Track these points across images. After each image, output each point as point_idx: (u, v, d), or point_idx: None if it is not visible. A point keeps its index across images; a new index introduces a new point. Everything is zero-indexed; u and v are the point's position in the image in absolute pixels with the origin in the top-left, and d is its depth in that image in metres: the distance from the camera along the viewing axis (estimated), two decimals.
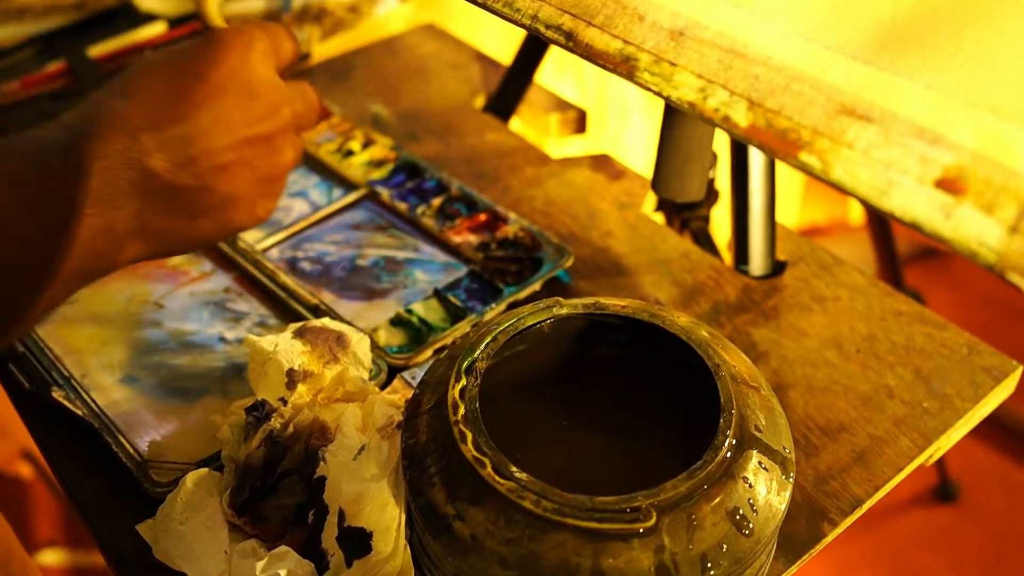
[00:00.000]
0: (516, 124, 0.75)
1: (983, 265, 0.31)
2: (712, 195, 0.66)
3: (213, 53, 0.46)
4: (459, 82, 0.77)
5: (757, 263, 0.60)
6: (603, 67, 0.39)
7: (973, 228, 0.32)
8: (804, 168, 0.34)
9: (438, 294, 0.58)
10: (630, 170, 0.67)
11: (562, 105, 0.75)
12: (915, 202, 0.32)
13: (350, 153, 0.69)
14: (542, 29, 0.40)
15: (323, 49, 0.84)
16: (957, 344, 0.55)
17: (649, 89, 0.37)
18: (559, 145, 0.76)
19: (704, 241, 0.65)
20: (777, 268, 0.60)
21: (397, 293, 0.59)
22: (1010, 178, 0.32)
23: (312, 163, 0.69)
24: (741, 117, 0.36)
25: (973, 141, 0.33)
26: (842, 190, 0.34)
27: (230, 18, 0.86)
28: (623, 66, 0.38)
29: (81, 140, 0.42)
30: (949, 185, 0.32)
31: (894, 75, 0.34)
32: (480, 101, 0.75)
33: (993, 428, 1.41)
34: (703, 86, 0.36)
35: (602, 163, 0.68)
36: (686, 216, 0.66)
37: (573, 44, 0.39)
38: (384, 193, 0.65)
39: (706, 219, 0.67)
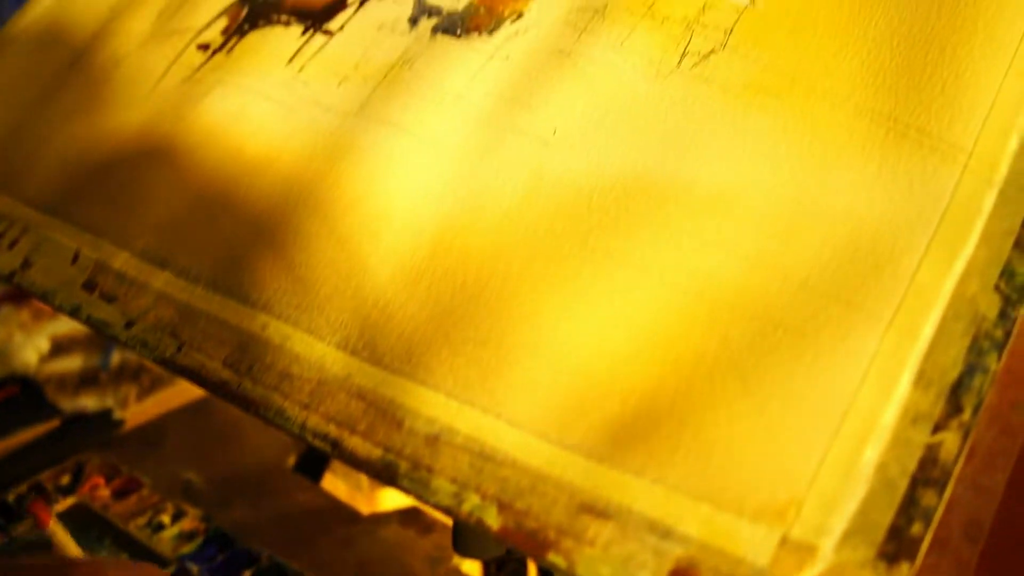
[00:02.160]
0: (329, 480, 0.77)
1: None
2: None
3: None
4: (271, 441, 0.79)
5: None
6: (367, 474, 0.41)
7: None
8: (553, 567, 0.36)
9: None
10: (440, 521, 0.69)
11: None
12: None
13: (160, 527, 0.69)
14: (309, 438, 0.42)
15: (139, 410, 0.85)
16: None
17: (410, 494, 0.40)
18: (373, 499, 0.77)
19: None
20: None
21: None
22: (735, 566, 0.34)
23: (121, 540, 0.68)
24: (493, 520, 0.38)
25: (699, 532, 0.35)
26: None
27: (49, 377, 0.86)
28: (384, 473, 0.40)
29: None
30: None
31: (625, 471, 0.37)
32: (292, 460, 0.77)
33: None
34: (457, 491, 0.39)
35: (412, 517, 0.70)
36: (500, 560, 0.67)
37: (339, 452, 0.41)
38: (194, 569, 0.65)
39: (522, 562, 0.68)
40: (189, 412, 0.83)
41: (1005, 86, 0.43)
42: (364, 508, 0.73)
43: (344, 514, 0.69)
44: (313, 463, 0.74)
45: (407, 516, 0.69)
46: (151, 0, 0.68)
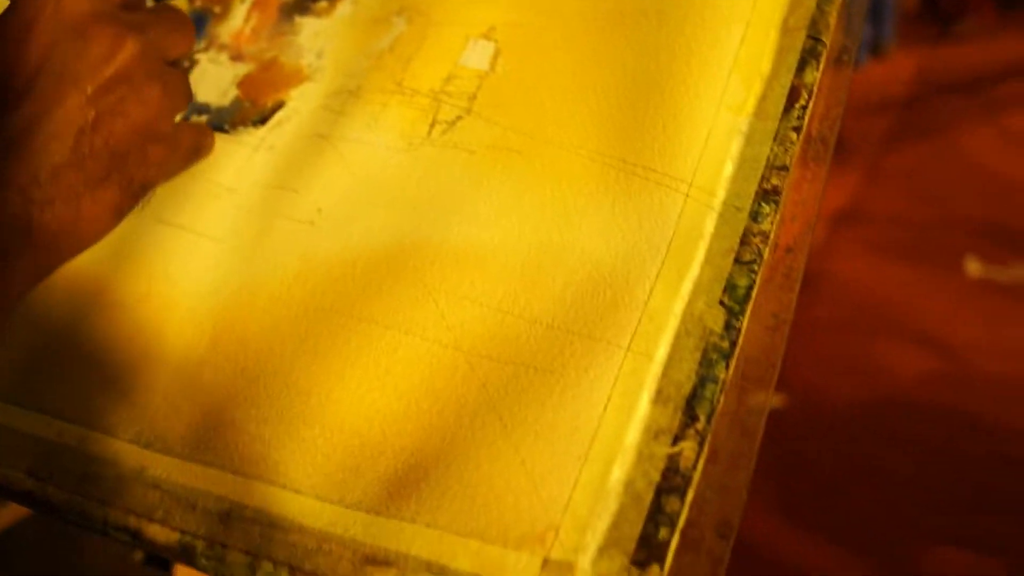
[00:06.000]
0: (180, 570, 0.77)
1: None
2: None
3: (21, 13, 0.42)
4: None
5: None
6: (169, 558, 0.43)
7: None
8: None
9: None
10: None
11: None
12: None
13: None
14: (111, 532, 0.44)
15: None
16: None
17: (208, 572, 0.42)
18: None
19: None
20: None
21: None
22: None
23: None
24: None
25: (470, 566, 0.38)
26: None
27: None
28: (184, 555, 0.42)
29: None
30: None
31: (401, 520, 0.40)
32: (140, 555, 0.77)
33: None
34: (250, 561, 0.41)
35: None
36: None
37: (140, 542, 0.43)
38: None
39: None
40: (29, 523, 0.83)
41: (718, 119, 0.47)
42: None
43: None
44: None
45: None
46: None
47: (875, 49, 3.56)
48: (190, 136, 0.50)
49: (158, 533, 0.43)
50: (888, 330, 2.76)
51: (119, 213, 0.46)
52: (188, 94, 0.49)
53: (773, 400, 0.43)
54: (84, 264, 0.50)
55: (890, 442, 2.34)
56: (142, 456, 0.45)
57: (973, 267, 3.05)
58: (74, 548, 0.78)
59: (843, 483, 2.20)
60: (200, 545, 0.42)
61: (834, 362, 2.61)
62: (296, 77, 0.55)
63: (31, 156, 0.41)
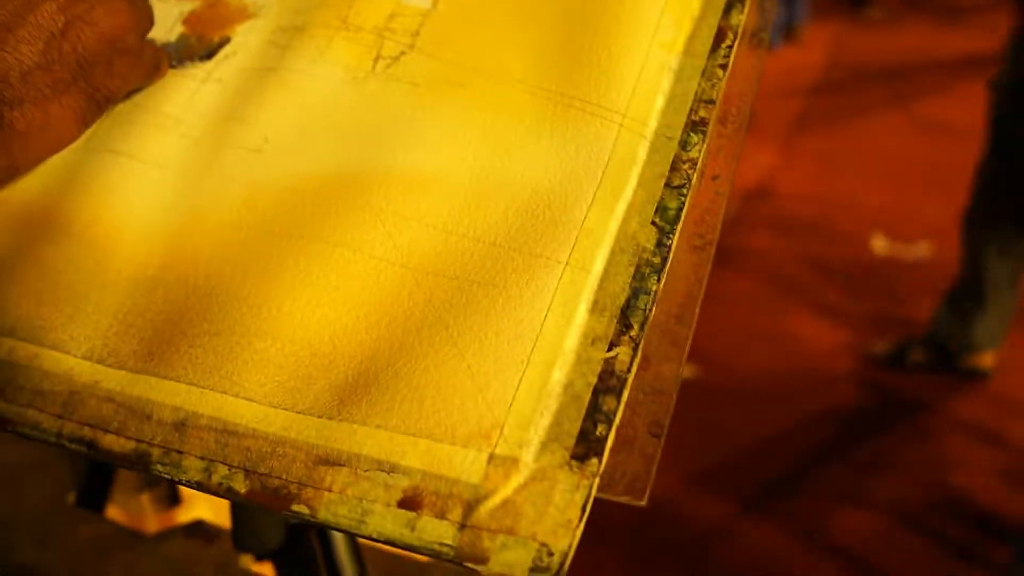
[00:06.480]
0: (111, 510, 0.78)
1: (444, 560, 0.39)
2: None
3: None
4: (49, 480, 0.80)
5: None
6: (123, 467, 0.44)
7: (433, 533, 0.39)
8: (296, 516, 0.41)
9: None
10: (225, 529, 0.72)
11: (153, 480, 0.79)
12: (385, 523, 0.40)
13: None
14: (66, 444, 0.45)
15: None
16: None
17: (164, 477, 0.43)
18: (157, 518, 0.79)
19: None
20: None
21: None
22: (452, 486, 0.40)
23: None
24: (240, 485, 0.42)
25: (420, 463, 0.40)
26: (327, 527, 0.40)
27: None
28: (139, 463, 0.44)
29: None
30: (409, 503, 0.40)
31: (352, 423, 0.42)
32: (72, 496, 0.78)
33: None
34: (206, 466, 0.43)
35: (196, 530, 0.72)
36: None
37: (95, 451, 0.45)
38: None
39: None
40: None
41: (650, 55, 0.50)
42: (149, 528, 0.75)
43: (128, 539, 0.72)
44: (94, 495, 0.76)
45: (191, 529, 0.72)
46: None
47: (788, 32, 3.63)
48: (152, 52, 0.53)
49: (113, 443, 0.45)
50: (797, 304, 2.84)
51: (84, 120, 0.49)
52: (151, 17, 0.52)
53: (685, 370, 0.46)
54: (33, 193, 0.51)
55: (799, 412, 2.41)
56: (95, 371, 0.46)
57: (879, 245, 3.14)
58: (8, 488, 0.79)
59: (753, 450, 2.27)
60: (156, 452, 0.44)
61: (745, 334, 2.68)
62: (242, 14, 0.56)
63: (3, 57, 0.45)
